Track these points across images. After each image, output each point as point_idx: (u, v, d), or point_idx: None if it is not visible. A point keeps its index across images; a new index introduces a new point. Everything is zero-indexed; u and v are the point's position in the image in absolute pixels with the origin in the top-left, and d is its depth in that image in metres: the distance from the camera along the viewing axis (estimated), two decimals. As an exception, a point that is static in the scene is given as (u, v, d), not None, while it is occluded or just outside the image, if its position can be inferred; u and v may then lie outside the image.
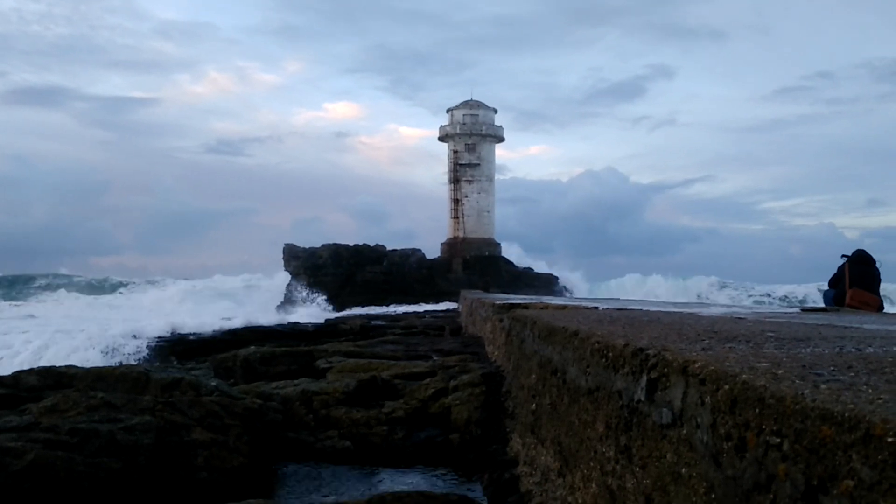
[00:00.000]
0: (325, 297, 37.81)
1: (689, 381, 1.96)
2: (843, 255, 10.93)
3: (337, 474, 5.57)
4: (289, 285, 48.59)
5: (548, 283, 50.47)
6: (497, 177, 56.18)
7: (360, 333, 17.74)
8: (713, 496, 1.77)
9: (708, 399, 1.82)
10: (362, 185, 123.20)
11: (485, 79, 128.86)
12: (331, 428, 6.23)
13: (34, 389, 6.13)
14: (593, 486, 2.95)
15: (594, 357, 3.01)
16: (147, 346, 15.81)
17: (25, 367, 7.19)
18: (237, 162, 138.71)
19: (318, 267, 48.15)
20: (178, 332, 17.55)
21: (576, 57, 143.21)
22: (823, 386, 1.55)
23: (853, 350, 2.34)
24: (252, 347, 11.65)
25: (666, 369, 2.17)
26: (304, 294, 35.28)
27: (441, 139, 55.28)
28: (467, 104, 54.38)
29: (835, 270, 11.06)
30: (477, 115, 53.96)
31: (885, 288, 11.42)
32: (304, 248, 49.92)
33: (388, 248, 49.95)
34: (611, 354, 2.77)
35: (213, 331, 17.66)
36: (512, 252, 54.69)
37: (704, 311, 6.44)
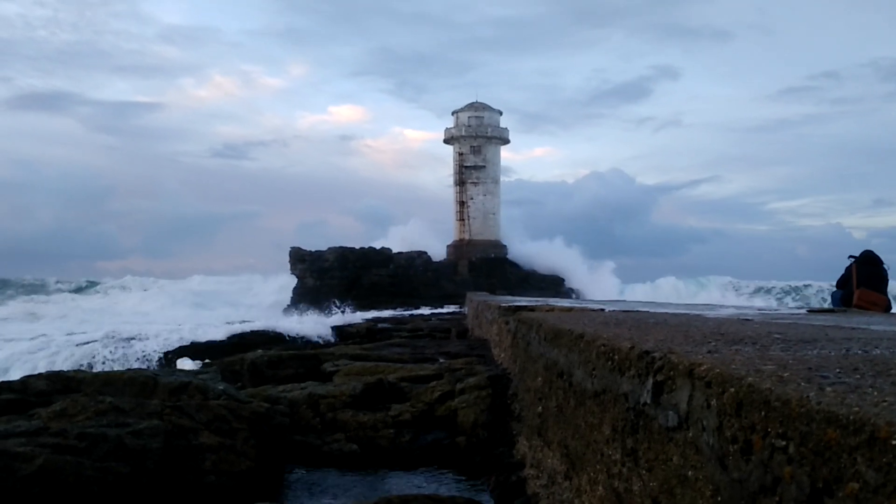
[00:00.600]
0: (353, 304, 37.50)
1: (695, 383, 1.97)
2: (851, 256, 10.90)
3: (344, 477, 5.58)
4: (295, 288, 48.61)
5: (554, 285, 50.40)
6: (502, 179, 56.19)
7: (367, 336, 17.76)
8: (719, 499, 1.77)
9: (714, 402, 1.82)
10: (367, 188, 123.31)
11: (489, 81, 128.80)
12: (338, 431, 6.24)
13: (43, 394, 6.16)
14: (600, 488, 2.95)
15: (600, 360, 3.01)
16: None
17: None
18: (242, 166, 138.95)
19: (324, 270, 48.18)
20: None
21: (580, 58, 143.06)
22: (829, 388, 1.56)
23: (859, 352, 2.34)
24: (259, 351, 11.67)
25: (672, 372, 2.17)
26: (337, 304, 34.95)
27: (446, 141, 55.31)
28: (472, 106, 54.39)
29: (842, 271, 11.04)
30: (482, 117, 53.97)
31: (894, 288, 11.37)
32: (310, 252, 49.95)
33: (394, 250, 49.98)
34: (617, 357, 2.77)
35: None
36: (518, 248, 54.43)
37: (711, 313, 6.43)
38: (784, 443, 1.47)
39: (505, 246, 53.83)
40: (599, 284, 52.40)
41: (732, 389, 1.73)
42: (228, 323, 21.80)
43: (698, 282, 61.06)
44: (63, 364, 14.84)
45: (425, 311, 31.95)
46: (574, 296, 46.10)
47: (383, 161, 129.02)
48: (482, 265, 50.61)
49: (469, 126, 53.83)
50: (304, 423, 6.37)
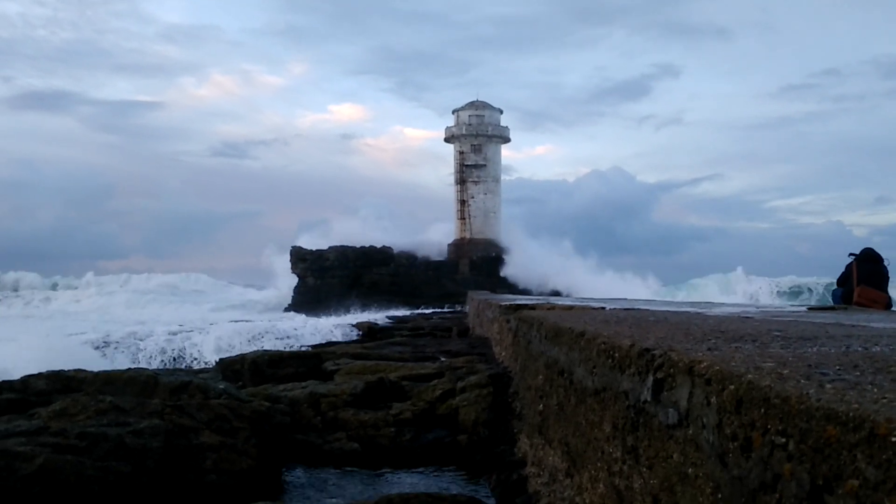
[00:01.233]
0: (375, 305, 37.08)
1: (695, 381, 1.97)
2: (851, 254, 10.90)
3: (345, 476, 5.59)
4: (296, 287, 48.65)
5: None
6: (503, 177, 56.23)
7: (368, 335, 17.77)
8: (719, 496, 1.77)
9: (714, 399, 1.82)
10: (368, 186, 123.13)
11: (489, 79, 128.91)
12: (339, 430, 6.25)
13: (43, 394, 6.16)
14: (601, 486, 2.95)
15: (600, 357, 3.01)
16: None
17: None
18: (243, 165, 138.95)
19: (325, 269, 48.23)
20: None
21: (580, 56, 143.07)
22: (829, 385, 1.55)
23: (859, 349, 2.34)
24: (259, 349, 11.67)
25: (672, 369, 2.17)
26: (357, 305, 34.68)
27: (447, 140, 55.35)
28: (473, 105, 54.42)
29: (843, 269, 11.04)
30: (483, 115, 54.00)
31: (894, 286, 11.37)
32: (311, 251, 49.98)
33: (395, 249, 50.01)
34: (617, 355, 2.77)
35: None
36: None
37: (712, 311, 6.43)
38: (784, 440, 1.46)
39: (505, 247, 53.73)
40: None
41: (732, 387, 1.73)
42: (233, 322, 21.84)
43: (691, 284, 56.64)
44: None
45: (426, 311, 31.91)
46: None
47: (384, 160, 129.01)
48: (483, 264, 50.62)
49: (470, 125, 53.86)
50: (304, 421, 6.38)
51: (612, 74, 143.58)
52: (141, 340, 17.55)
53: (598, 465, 3.00)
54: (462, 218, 53.67)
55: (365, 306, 36.52)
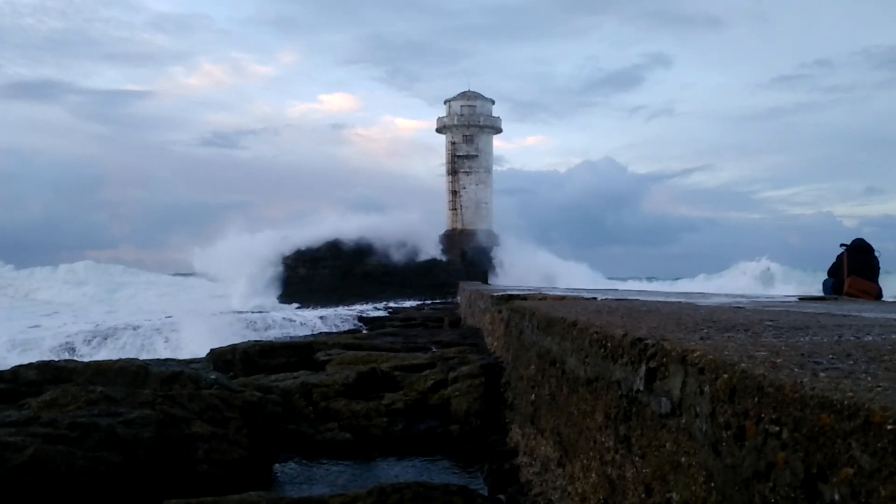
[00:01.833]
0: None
1: (688, 370, 1.96)
2: (842, 244, 10.94)
3: (337, 466, 5.58)
4: (286, 279, 48.40)
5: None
6: (494, 168, 56.16)
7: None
8: (713, 485, 1.77)
9: (707, 388, 1.82)
10: (359, 177, 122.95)
11: (481, 69, 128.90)
12: (331, 420, 6.24)
13: (33, 384, 6.13)
14: (593, 475, 2.96)
15: (593, 347, 3.01)
16: None
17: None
18: (233, 155, 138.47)
19: (315, 260, 48.11)
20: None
21: (572, 46, 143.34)
22: (822, 374, 1.55)
23: (852, 338, 2.34)
24: (251, 340, 11.65)
25: (665, 359, 2.17)
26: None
27: (439, 130, 55.25)
28: (465, 95, 54.31)
29: (833, 259, 11.08)
30: (474, 106, 53.89)
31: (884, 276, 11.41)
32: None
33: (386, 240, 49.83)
34: (609, 344, 2.77)
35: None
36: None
37: (703, 301, 6.45)
38: (778, 428, 1.46)
39: (497, 235, 53.76)
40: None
41: (725, 375, 1.73)
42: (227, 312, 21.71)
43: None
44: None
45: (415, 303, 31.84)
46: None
47: (375, 150, 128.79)
48: (475, 254, 50.60)
49: (461, 115, 53.76)
50: (296, 411, 6.37)
51: (603, 64, 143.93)
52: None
53: (591, 454, 3.00)
54: (453, 209, 53.64)
55: (357, 297, 36.50)
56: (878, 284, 10.63)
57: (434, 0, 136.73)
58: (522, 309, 5.61)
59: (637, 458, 2.37)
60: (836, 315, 3.75)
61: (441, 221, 54.85)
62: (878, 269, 10.79)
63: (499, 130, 55.81)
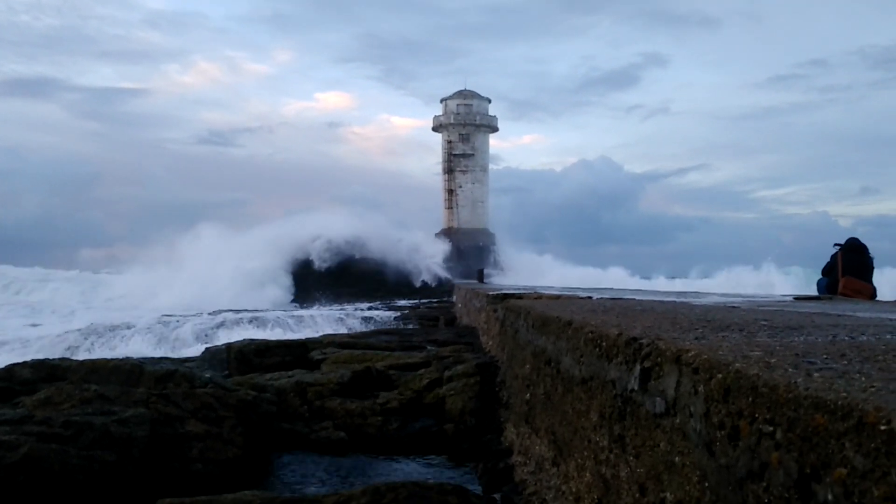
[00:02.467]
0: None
1: (683, 370, 1.96)
2: (836, 244, 10.96)
3: (332, 465, 5.58)
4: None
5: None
6: (490, 167, 56.11)
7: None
8: (707, 484, 1.77)
9: (701, 388, 1.82)
10: (354, 175, 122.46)
11: (477, 68, 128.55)
12: (325, 419, 6.23)
13: (28, 382, 6.11)
14: (587, 474, 2.96)
15: (588, 347, 3.01)
16: None
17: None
18: (228, 153, 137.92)
19: (309, 259, 47.94)
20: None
21: (568, 45, 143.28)
22: (816, 374, 1.55)
23: (846, 338, 2.34)
24: (246, 339, 11.63)
25: (659, 358, 2.17)
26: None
27: (435, 129, 55.18)
28: (461, 94, 54.25)
29: (828, 259, 11.10)
30: (471, 105, 53.84)
31: (878, 276, 11.44)
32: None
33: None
34: (604, 344, 2.76)
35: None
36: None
37: (698, 301, 6.45)
38: (772, 428, 1.46)
39: (493, 234, 53.77)
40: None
41: (720, 375, 1.73)
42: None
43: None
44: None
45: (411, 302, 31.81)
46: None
47: (370, 148, 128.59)
48: (471, 253, 50.59)
49: (458, 114, 53.70)
50: (291, 410, 6.36)
51: (599, 64, 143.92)
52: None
53: (585, 453, 3.00)
54: (449, 207, 53.60)
55: (352, 297, 36.43)
56: (872, 284, 10.65)
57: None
58: (517, 308, 5.61)
59: (631, 458, 2.37)
60: (830, 315, 3.75)
61: (437, 220, 54.86)
62: (873, 268, 10.81)
63: (495, 129, 55.77)
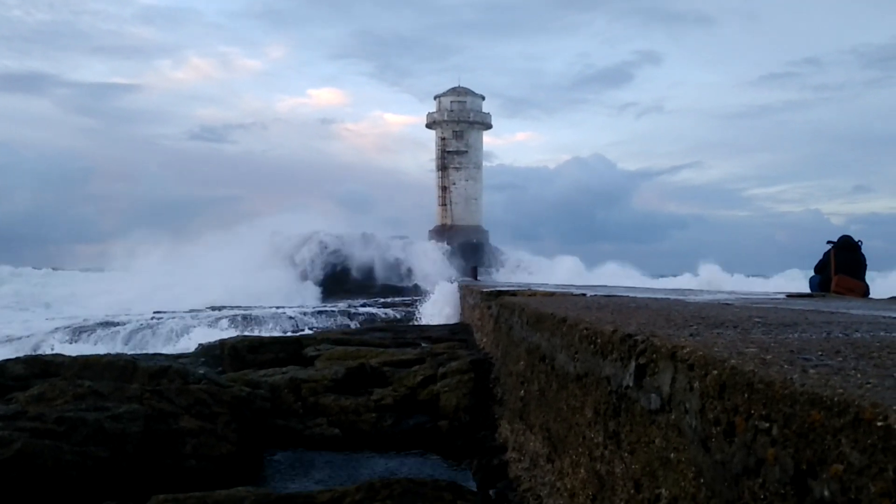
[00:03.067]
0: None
1: (678, 366, 1.97)
2: (829, 242, 11.00)
3: (325, 461, 5.57)
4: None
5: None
6: (484, 164, 56.12)
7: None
8: (702, 481, 1.77)
9: (696, 384, 1.82)
10: (348, 172, 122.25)
11: (471, 65, 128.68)
12: (319, 415, 6.23)
13: (20, 378, 6.09)
14: (582, 471, 2.96)
15: (582, 343, 3.01)
16: None
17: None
18: (221, 149, 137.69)
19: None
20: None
21: (563, 42, 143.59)
22: (812, 371, 1.56)
23: (841, 335, 2.35)
24: (239, 335, 11.61)
25: (654, 355, 2.17)
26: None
27: (429, 126, 55.14)
28: (455, 91, 54.22)
29: (820, 256, 11.14)
30: (465, 102, 53.82)
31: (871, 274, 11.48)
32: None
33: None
34: (599, 341, 2.77)
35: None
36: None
37: (692, 298, 6.47)
38: (767, 424, 1.47)
39: (487, 231, 53.82)
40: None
41: (715, 372, 1.73)
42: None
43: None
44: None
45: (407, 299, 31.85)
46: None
47: (364, 145, 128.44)
48: (465, 250, 50.60)
49: (451, 111, 53.67)
50: (285, 407, 6.35)
51: (593, 61, 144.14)
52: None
53: (580, 450, 3.01)
54: (443, 204, 53.60)
55: (347, 294, 36.44)
56: (864, 282, 10.70)
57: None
58: (512, 305, 5.62)
59: (626, 454, 2.37)
60: (824, 312, 3.77)
61: (431, 217, 54.85)
62: (865, 266, 10.86)
63: (489, 126, 55.77)
